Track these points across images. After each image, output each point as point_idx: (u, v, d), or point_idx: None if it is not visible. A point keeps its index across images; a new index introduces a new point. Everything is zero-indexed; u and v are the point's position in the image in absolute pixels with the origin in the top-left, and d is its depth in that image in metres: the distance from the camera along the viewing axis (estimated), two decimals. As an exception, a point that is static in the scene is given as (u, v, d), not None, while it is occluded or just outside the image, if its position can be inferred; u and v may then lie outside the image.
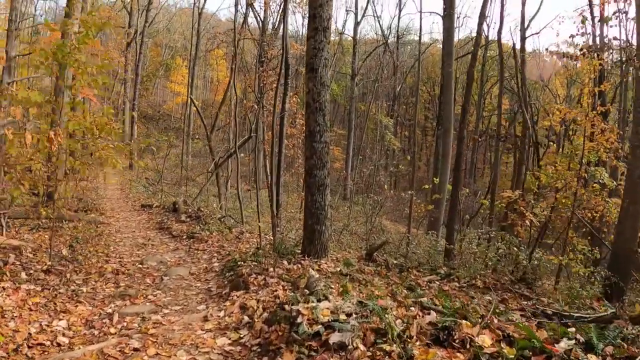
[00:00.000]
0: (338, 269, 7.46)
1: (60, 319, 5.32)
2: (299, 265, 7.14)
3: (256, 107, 17.59)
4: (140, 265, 8.21)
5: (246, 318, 4.58)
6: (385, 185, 20.29)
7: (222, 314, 4.87)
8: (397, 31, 36.97)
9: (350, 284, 6.08)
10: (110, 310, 5.56)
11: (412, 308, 4.77)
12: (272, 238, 11.57)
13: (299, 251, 8.29)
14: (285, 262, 7.06)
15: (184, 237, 11.00)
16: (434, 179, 19.73)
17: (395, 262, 10.24)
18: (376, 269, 8.66)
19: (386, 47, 36.57)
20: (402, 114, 49.16)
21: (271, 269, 6.35)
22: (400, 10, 35.54)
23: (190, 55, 29.05)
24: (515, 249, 9.80)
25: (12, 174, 6.95)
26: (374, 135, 41.82)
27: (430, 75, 44.72)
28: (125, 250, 9.81)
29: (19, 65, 22.42)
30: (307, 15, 8.44)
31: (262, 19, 23.75)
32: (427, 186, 18.38)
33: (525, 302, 7.12)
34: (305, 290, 5.06)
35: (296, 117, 20.29)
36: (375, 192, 27.26)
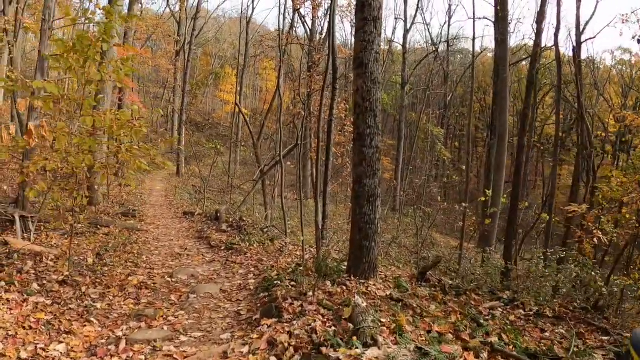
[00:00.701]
0: (388, 292, 6.40)
1: (60, 342, 4.47)
2: (343, 288, 6.10)
3: (303, 113, 16.73)
4: (169, 279, 7.36)
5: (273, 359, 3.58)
6: (439, 197, 18.95)
7: (245, 349, 3.88)
8: (447, 39, 35.58)
9: (404, 313, 5.02)
10: (120, 334, 4.69)
11: (483, 355, 3.70)
12: (316, 252, 10.62)
13: (344, 268, 7.26)
14: (328, 283, 6.04)
15: (222, 247, 10.15)
16: (486, 191, 18.34)
17: (450, 282, 9.07)
18: (431, 291, 7.52)
19: (436, 55, 35.25)
20: (452, 124, 47.45)
21: (310, 293, 5.33)
22: (450, 18, 34.35)
23: (238, 64, 28.72)
24: (591, 272, 8.43)
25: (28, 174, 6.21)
26: (424, 146, 40.42)
27: (480, 85, 43.00)
28: (158, 261, 9.03)
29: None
30: (355, 5, 7.43)
31: (310, 25, 23.10)
32: (482, 198, 17.02)
33: (606, 338, 5.83)
34: (349, 324, 4.03)
35: (345, 124, 19.32)
36: (426, 204, 25.95)
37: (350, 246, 7.40)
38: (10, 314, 4.99)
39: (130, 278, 7.00)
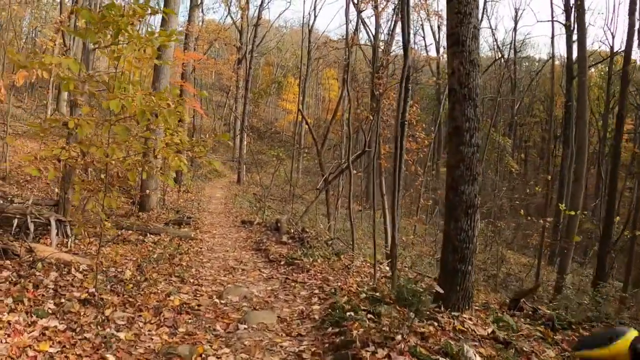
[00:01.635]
0: (489, 330, 4.87)
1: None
2: (435, 325, 4.61)
3: (371, 118, 15.27)
4: (217, 300, 6.05)
5: None
6: (521, 211, 16.90)
7: None
8: (514, 44, 33.10)
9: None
10: (138, 385, 3.37)
11: None
12: (386, 271, 9.08)
13: (427, 294, 5.75)
14: (412, 315, 4.54)
15: (282, 262, 8.79)
16: (560, 205, 16.21)
17: (549, 313, 7.33)
18: (534, 326, 5.86)
19: (506, 62, 32.93)
20: (518, 134, 44.55)
21: (399, 337, 3.83)
22: (516, 23, 31.81)
23: (300, 72, 27.72)
24: None
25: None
26: (490, 157, 37.96)
27: (547, 94, 39.96)
28: (209, 275, 7.78)
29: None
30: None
31: (374, 28, 21.72)
32: (572, 212, 14.92)
33: None
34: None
35: (416, 130, 17.72)
36: (496, 217, 23.77)
37: (440, 269, 5.89)
38: (6, 342, 3.79)
39: (170, 298, 5.73)
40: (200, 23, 31.92)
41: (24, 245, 6.20)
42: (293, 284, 7.19)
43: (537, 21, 57.37)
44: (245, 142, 27.81)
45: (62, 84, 4.46)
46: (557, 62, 39.43)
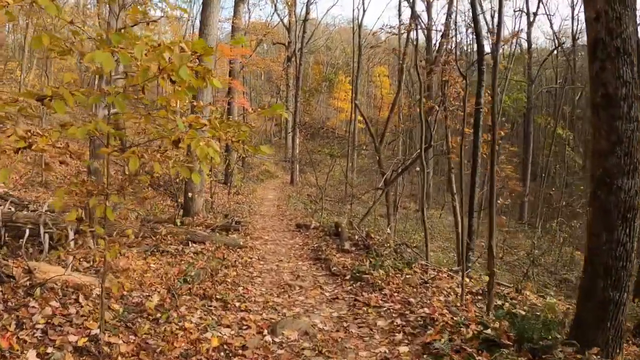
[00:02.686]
0: None
1: None
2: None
3: (437, 108, 13.37)
4: (268, 337, 4.43)
5: None
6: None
7: None
8: (573, 32, 30.00)
9: None
10: None
11: None
12: (470, 286, 7.33)
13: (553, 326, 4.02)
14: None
15: (347, 276, 7.12)
16: None
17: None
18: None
19: (564, 51, 30.07)
20: (580, 129, 41.08)
21: None
22: (573, 8, 28.58)
23: (352, 68, 25.97)
24: None
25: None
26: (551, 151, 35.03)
27: None
28: (259, 295, 6.21)
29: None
30: None
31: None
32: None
33: None
34: None
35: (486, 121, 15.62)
36: (566, 217, 21.25)
37: (581, 297, 4.09)
38: None
39: (206, 336, 4.16)
40: (248, 19, 30.76)
41: (22, 264, 4.78)
42: (365, 308, 5.49)
43: None
44: (297, 141, 26.31)
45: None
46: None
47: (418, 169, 22.47)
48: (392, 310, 5.32)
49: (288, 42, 29.69)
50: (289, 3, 28.69)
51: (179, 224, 10.32)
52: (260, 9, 76.20)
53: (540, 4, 32.60)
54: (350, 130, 26.16)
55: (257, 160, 31.65)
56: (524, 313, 5.14)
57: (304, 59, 30.69)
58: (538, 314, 5.20)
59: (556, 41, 32.72)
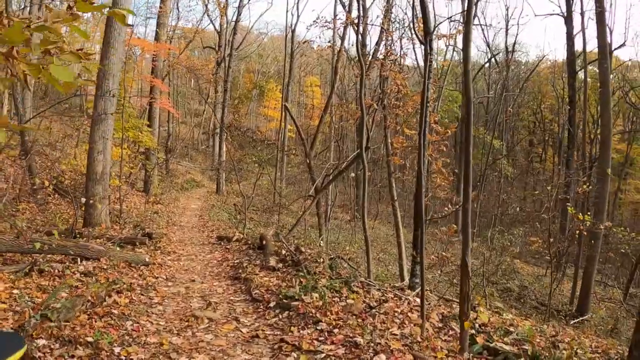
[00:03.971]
0: None
1: None
2: None
3: (375, 107, 12.16)
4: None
5: None
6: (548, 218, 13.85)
7: None
8: (506, 45, 30.59)
9: None
10: None
11: None
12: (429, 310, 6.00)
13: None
14: None
15: (272, 303, 5.54)
16: (569, 207, 13.46)
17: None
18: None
19: (497, 63, 30.51)
20: (509, 139, 42.01)
21: None
22: (507, 22, 29.06)
23: (284, 67, 24.59)
24: None
25: None
26: (481, 161, 35.33)
27: (536, 95, 37.63)
28: (152, 333, 4.54)
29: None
30: None
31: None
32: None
33: None
34: None
35: (435, 123, 14.60)
36: (505, 225, 20.77)
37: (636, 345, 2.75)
38: None
39: None
40: (176, 21, 28.67)
41: None
42: (295, 354, 3.95)
43: (535, 15, 54.55)
44: (224, 149, 24.45)
45: None
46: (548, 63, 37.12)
47: (353, 174, 21.31)
48: (334, 358, 3.81)
49: (218, 46, 27.89)
50: (221, 5, 26.95)
51: (77, 236, 8.40)
52: (190, 10, 72.33)
53: (476, 17, 32.91)
54: (281, 135, 24.62)
55: (182, 169, 29.41)
56: (506, 348, 3.82)
57: (234, 64, 28.99)
58: (525, 347, 3.90)
59: (490, 53, 33.14)
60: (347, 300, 5.69)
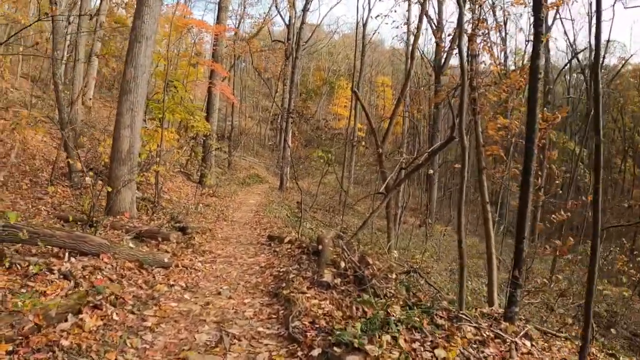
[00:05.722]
0: None
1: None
2: None
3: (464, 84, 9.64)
4: None
5: None
6: None
7: None
8: (589, 43, 26.56)
9: None
10: None
11: None
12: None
13: None
14: None
15: (316, 351, 3.36)
16: None
17: None
18: None
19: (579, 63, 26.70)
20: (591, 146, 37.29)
21: None
22: (591, 17, 24.99)
23: (355, 55, 22.49)
24: None
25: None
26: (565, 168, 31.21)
27: (616, 101, 32.46)
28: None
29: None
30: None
31: None
32: None
33: None
34: None
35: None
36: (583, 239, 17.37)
37: None
38: None
39: None
40: (242, 9, 27.28)
41: None
42: None
43: (625, 7, 48.86)
44: (289, 141, 22.59)
45: None
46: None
47: (431, 171, 18.76)
48: None
49: (287, 40, 26.22)
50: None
51: (93, 224, 6.70)
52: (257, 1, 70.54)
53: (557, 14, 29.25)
54: (350, 124, 22.43)
55: (245, 163, 28.00)
56: None
57: (304, 62, 27.22)
58: None
59: (570, 53, 29.28)
60: (436, 352, 3.44)
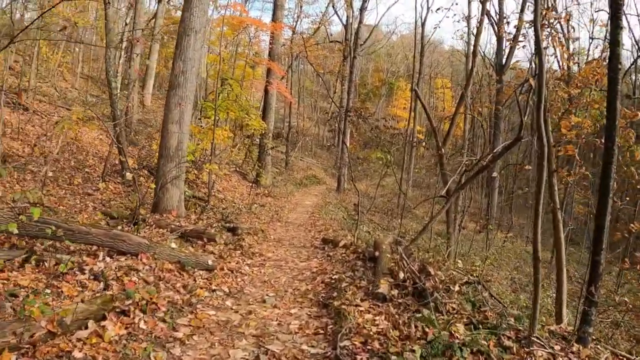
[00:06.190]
0: None
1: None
2: None
3: (531, 81, 8.69)
4: None
5: None
6: None
7: None
8: None
9: None
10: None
11: None
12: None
13: None
14: None
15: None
16: None
17: None
18: None
19: None
20: None
21: None
22: None
23: (415, 52, 21.65)
24: None
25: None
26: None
27: None
28: None
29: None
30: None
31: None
32: None
33: None
34: None
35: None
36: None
37: None
38: None
39: None
40: (299, 8, 27.03)
41: None
42: None
43: None
44: (347, 142, 22.03)
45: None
46: None
47: (495, 173, 17.64)
48: None
49: (345, 40, 25.74)
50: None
51: (139, 222, 6.44)
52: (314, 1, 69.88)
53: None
54: (410, 123, 21.64)
55: (303, 164, 27.71)
56: None
57: (362, 63, 26.58)
58: None
59: (635, 52, 26.80)
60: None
